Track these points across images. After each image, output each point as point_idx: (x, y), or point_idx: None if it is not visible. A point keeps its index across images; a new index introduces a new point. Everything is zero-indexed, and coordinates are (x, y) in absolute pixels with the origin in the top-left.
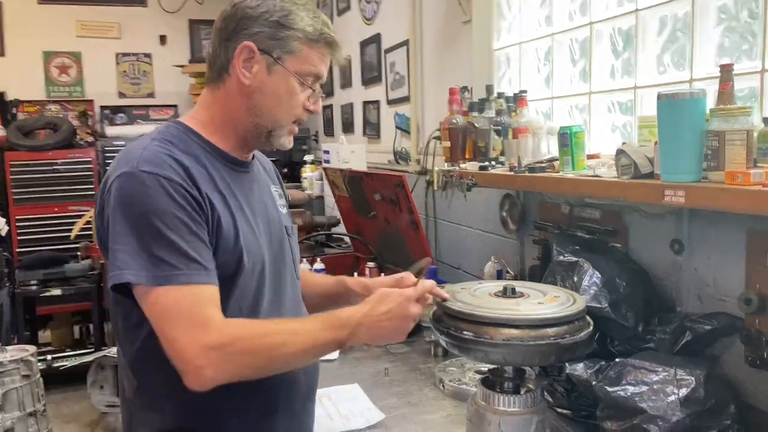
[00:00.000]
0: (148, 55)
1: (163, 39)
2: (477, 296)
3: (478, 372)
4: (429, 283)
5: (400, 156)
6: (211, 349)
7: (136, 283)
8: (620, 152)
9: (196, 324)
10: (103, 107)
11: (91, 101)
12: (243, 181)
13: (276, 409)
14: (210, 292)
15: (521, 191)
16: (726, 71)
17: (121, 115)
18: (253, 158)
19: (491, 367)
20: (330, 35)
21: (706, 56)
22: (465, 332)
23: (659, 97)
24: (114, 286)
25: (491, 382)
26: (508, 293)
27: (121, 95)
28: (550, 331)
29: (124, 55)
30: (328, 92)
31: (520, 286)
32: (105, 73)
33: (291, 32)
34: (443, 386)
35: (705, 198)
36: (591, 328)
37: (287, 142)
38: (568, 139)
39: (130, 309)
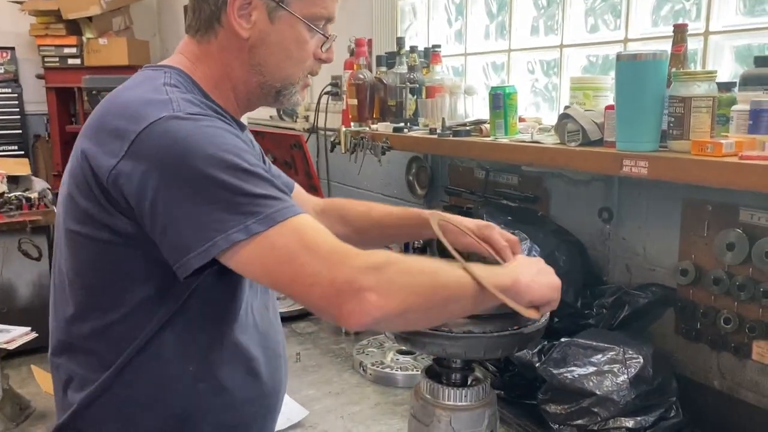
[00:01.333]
0: None
1: None
2: None
3: (400, 352)
4: None
5: (285, 112)
6: (372, 267)
7: (252, 234)
8: (565, 117)
9: (335, 248)
10: None
11: None
12: (245, 142)
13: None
14: (317, 222)
15: (429, 154)
16: (680, 32)
17: None
18: None
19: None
20: None
21: (641, 16)
22: None
23: (619, 57)
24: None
25: (436, 373)
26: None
27: None
28: (513, 319)
29: None
30: None
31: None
32: None
33: None
34: (365, 371)
35: (671, 170)
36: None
37: (300, 99)
38: (501, 100)
39: (131, 295)
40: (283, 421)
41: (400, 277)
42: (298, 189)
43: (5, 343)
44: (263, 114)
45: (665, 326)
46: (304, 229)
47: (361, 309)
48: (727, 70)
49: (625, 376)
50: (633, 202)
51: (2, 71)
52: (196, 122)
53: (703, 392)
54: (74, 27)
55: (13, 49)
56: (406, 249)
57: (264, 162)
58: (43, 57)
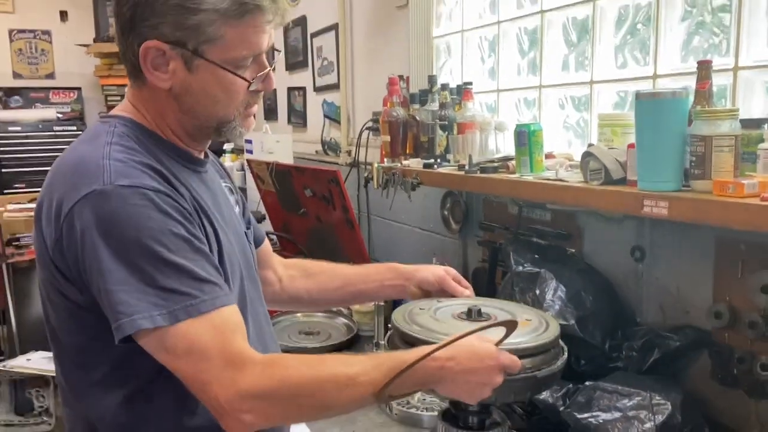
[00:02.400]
0: (47, 32)
1: (63, 15)
2: (439, 319)
3: (426, 392)
4: (517, 361)
5: (329, 146)
6: (253, 395)
7: (152, 327)
8: (588, 155)
9: (229, 363)
10: None
11: None
12: (204, 183)
13: None
14: (232, 316)
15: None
16: (704, 68)
17: (17, 97)
18: (206, 155)
19: None
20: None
21: (670, 51)
22: None
23: (638, 96)
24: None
25: (453, 416)
26: (474, 316)
27: (17, 76)
28: (526, 362)
29: (20, 31)
30: None
31: (485, 305)
32: None
33: (201, 16)
34: (390, 410)
35: (692, 211)
36: (566, 354)
37: (244, 131)
38: (525, 137)
39: (104, 356)
40: None
41: (282, 403)
42: (265, 244)
43: None
44: (309, 149)
45: (700, 371)
46: (206, 332)
47: (238, 426)
48: (759, 106)
49: (652, 423)
50: (665, 241)
51: (69, 110)
52: (124, 199)
53: None
54: None
55: (79, 89)
56: None
57: (234, 196)
58: (106, 96)
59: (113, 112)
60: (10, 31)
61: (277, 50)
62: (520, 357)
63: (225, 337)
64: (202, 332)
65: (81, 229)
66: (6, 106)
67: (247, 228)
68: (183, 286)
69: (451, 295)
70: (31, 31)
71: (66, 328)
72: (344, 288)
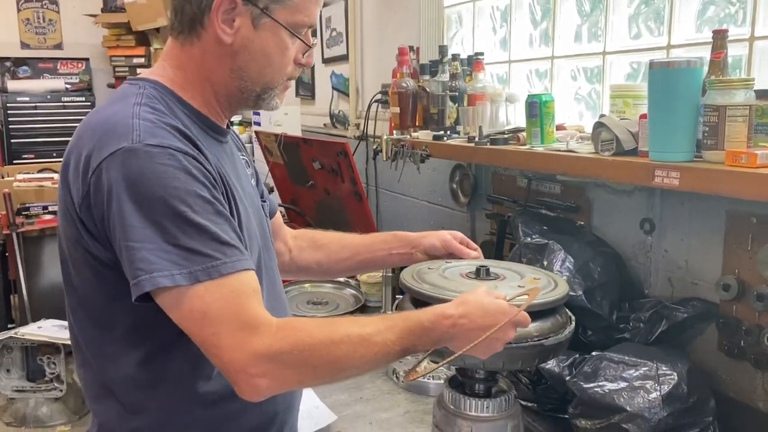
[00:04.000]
0: (54, 2)
1: None
2: (447, 277)
3: (434, 361)
4: (527, 316)
5: (338, 119)
6: (267, 357)
7: (171, 286)
8: (599, 125)
9: (244, 326)
10: (2, 59)
11: None
12: (225, 153)
13: None
14: (251, 281)
15: (471, 162)
16: (720, 38)
17: (25, 68)
18: (228, 126)
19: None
20: None
21: (684, 21)
22: None
23: (651, 65)
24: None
25: (459, 383)
26: (482, 275)
27: (24, 46)
28: (533, 329)
29: (26, 0)
30: None
31: (493, 266)
32: (4, 20)
33: None
34: (397, 378)
35: (704, 181)
36: (573, 324)
37: (279, 103)
38: (537, 108)
39: (123, 315)
40: (310, 425)
41: (296, 365)
42: (277, 216)
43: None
44: (317, 122)
45: (707, 343)
46: (224, 295)
47: (251, 390)
48: None
49: (658, 393)
50: (675, 213)
51: (77, 80)
52: (151, 158)
53: (745, 413)
54: (143, 38)
55: (87, 60)
56: None
57: (249, 169)
58: (114, 67)
59: (143, 74)
60: (18, 1)
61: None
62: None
63: (241, 301)
64: (220, 295)
65: (108, 185)
66: (14, 77)
67: (263, 200)
68: (205, 247)
69: (459, 257)
70: (38, 0)
71: (87, 286)
72: (353, 258)
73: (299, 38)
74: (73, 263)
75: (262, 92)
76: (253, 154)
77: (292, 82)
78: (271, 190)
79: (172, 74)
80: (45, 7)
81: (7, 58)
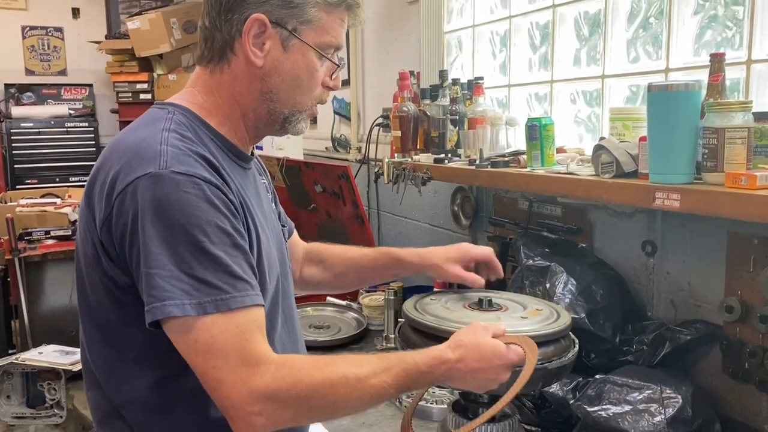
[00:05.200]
0: (59, 29)
1: (76, 12)
2: (450, 309)
3: (439, 386)
4: (524, 355)
5: (339, 143)
6: (265, 396)
7: (181, 315)
8: (599, 148)
9: (246, 362)
10: (7, 85)
11: None
12: (249, 179)
13: None
14: (258, 317)
15: (473, 185)
16: (717, 61)
17: (29, 94)
18: (252, 153)
19: None
20: None
21: (682, 45)
22: None
23: (650, 88)
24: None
25: (463, 407)
26: (485, 305)
27: (29, 72)
28: (537, 353)
29: (32, 28)
30: None
31: (496, 296)
32: (10, 47)
33: None
34: (400, 403)
35: (704, 203)
36: (577, 347)
37: (305, 127)
38: (537, 131)
39: (137, 338)
40: None
41: (293, 405)
42: (294, 235)
43: (71, 365)
44: (319, 145)
45: (711, 365)
46: (229, 330)
47: (247, 427)
48: None
49: (662, 416)
50: (676, 235)
51: (81, 106)
52: (177, 185)
53: None
54: (146, 64)
55: (91, 86)
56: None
57: (269, 193)
58: (118, 93)
59: (171, 99)
60: (23, 28)
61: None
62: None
63: (246, 336)
64: (225, 329)
65: (132, 209)
66: (18, 103)
67: (282, 225)
68: (217, 279)
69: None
70: (43, 27)
71: (102, 306)
72: (357, 277)
73: (328, 59)
74: (90, 282)
75: (290, 115)
76: None
77: (321, 107)
78: None
79: (201, 100)
80: (50, 34)
81: (12, 85)
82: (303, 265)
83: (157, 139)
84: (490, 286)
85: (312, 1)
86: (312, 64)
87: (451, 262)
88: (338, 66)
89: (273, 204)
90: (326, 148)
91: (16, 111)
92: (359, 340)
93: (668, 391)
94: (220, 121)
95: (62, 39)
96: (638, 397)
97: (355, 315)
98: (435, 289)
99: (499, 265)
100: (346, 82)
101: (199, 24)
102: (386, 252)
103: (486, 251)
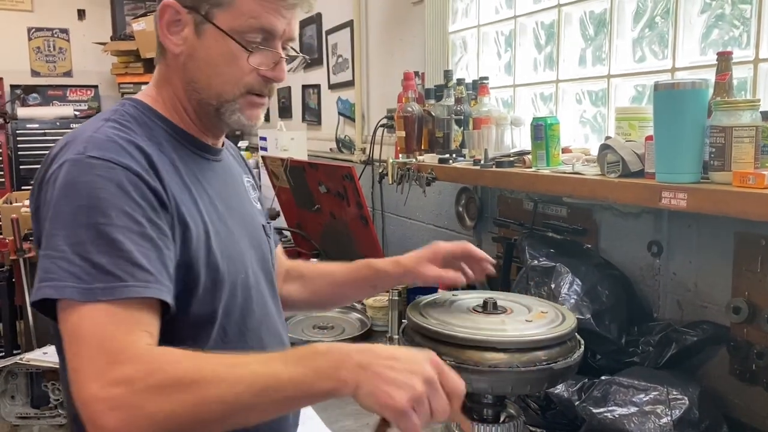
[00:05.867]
0: (64, 31)
1: (81, 13)
2: (454, 312)
3: None
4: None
5: (344, 144)
6: (116, 384)
7: (61, 298)
8: (605, 147)
9: (107, 351)
10: (13, 86)
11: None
12: (214, 171)
13: None
14: (146, 310)
15: (477, 185)
16: (724, 60)
17: (35, 95)
18: (223, 144)
19: None
20: None
21: (688, 44)
22: (444, 357)
23: (657, 87)
24: (37, 303)
25: (467, 408)
26: (489, 308)
27: (35, 74)
28: (542, 354)
29: (38, 29)
30: None
31: (500, 298)
32: (15, 49)
33: None
34: None
35: (711, 202)
36: (582, 348)
37: (244, 119)
38: (542, 131)
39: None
40: None
41: (149, 396)
42: (278, 249)
43: None
44: (323, 146)
45: (718, 367)
46: (109, 318)
47: (96, 427)
48: None
49: (669, 418)
50: (683, 236)
51: (86, 107)
52: (88, 169)
53: None
54: (151, 65)
55: (96, 87)
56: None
57: (255, 192)
58: (123, 94)
59: (139, 93)
60: (29, 30)
61: (295, 51)
62: (534, 349)
63: (121, 329)
64: (105, 319)
65: (48, 196)
66: (24, 104)
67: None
68: (113, 265)
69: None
70: (49, 29)
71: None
72: (336, 295)
73: (248, 44)
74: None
75: (219, 106)
76: (259, 179)
77: (264, 100)
78: (276, 215)
79: (154, 93)
80: (55, 35)
81: (18, 86)
82: (284, 282)
83: (92, 129)
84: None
85: None
86: (228, 50)
87: (424, 263)
88: (249, 51)
89: (259, 205)
90: (330, 149)
91: (21, 112)
92: (363, 341)
93: (675, 393)
94: (170, 113)
95: (68, 40)
96: (644, 399)
97: (359, 316)
98: (440, 290)
99: (484, 255)
100: (350, 83)
101: None
102: (366, 263)
103: (459, 244)
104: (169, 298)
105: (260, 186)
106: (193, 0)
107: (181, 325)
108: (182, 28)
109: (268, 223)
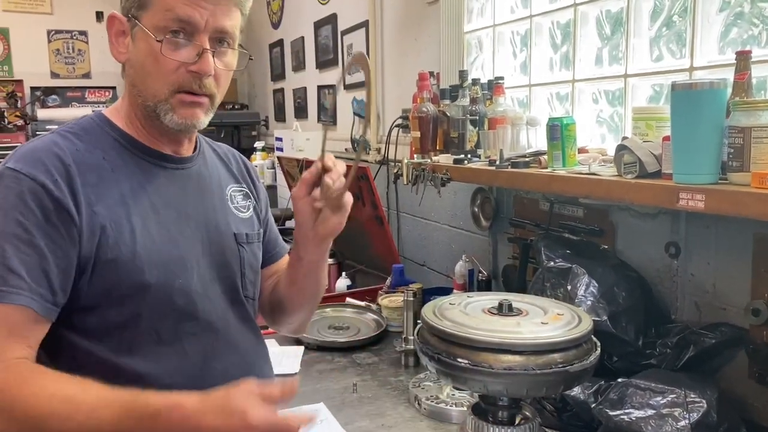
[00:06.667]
0: (83, 33)
1: (99, 15)
2: (469, 314)
3: (456, 387)
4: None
5: (358, 145)
6: None
7: None
8: (622, 148)
9: None
10: (33, 88)
11: (20, 81)
12: (170, 179)
13: None
14: (18, 319)
15: (493, 186)
16: (743, 59)
17: (54, 97)
18: (196, 152)
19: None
20: None
21: (707, 43)
22: (459, 359)
23: (674, 87)
24: None
25: (483, 410)
26: (504, 310)
27: (54, 75)
28: (558, 356)
29: (57, 32)
30: (278, 75)
31: (516, 300)
32: (35, 51)
33: None
34: (419, 405)
35: (730, 204)
36: (599, 350)
37: (177, 118)
38: (558, 131)
39: None
40: None
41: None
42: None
43: None
44: (338, 147)
45: (737, 369)
46: None
47: None
48: None
49: (686, 421)
50: (701, 237)
51: (104, 108)
52: (2, 179)
53: None
54: None
55: (114, 88)
56: (471, 280)
57: (247, 201)
58: None
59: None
60: (49, 32)
61: (242, 48)
62: (550, 352)
63: None
64: None
65: None
66: (44, 105)
67: (263, 231)
68: None
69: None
70: (68, 31)
71: None
72: (296, 294)
73: (156, 40)
74: None
75: (155, 107)
76: (275, 180)
77: (193, 98)
78: (291, 216)
79: (118, 104)
80: (75, 38)
81: (38, 88)
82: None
83: (38, 140)
84: (507, 284)
85: None
86: (150, 48)
87: (300, 207)
88: (159, 42)
89: (248, 213)
90: (345, 149)
91: (41, 113)
92: (378, 342)
93: (692, 396)
94: (125, 123)
95: (86, 42)
96: (662, 402)
97: (374, 316)
98: (455, 291)
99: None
100: (364, 84)
101: None
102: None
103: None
104: (35, 304)
105: (256, 197)
106: (127, 7)
107: (102, 323)
108: (126, 36)
109: (256, 232)
